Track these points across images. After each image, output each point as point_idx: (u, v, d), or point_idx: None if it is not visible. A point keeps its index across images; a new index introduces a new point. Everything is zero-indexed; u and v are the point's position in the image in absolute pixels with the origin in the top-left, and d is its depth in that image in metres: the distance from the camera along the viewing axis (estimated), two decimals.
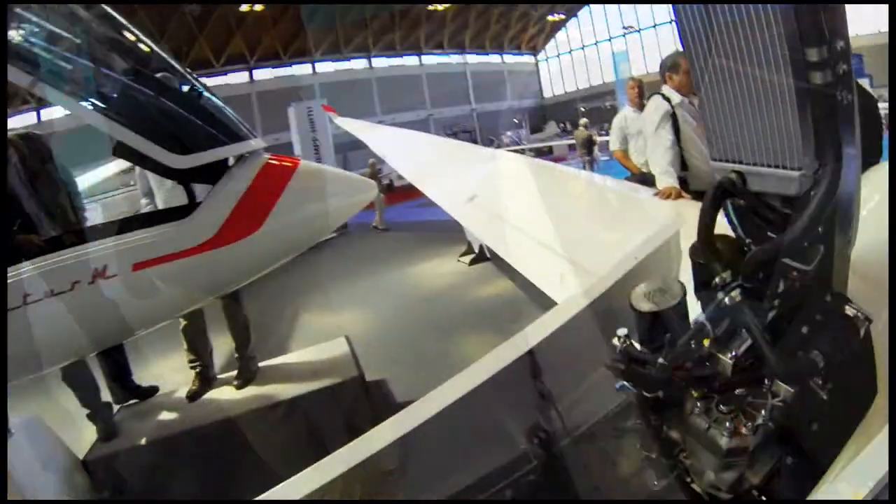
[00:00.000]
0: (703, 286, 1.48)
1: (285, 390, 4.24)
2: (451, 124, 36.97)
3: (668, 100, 4.58)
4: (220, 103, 3.45)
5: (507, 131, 36.19)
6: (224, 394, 4.36)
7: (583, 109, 36.97)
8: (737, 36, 1.14)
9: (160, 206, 4.06)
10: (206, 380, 4.48)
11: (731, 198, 1.39)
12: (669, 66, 4.65)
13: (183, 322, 4.32)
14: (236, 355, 4.57)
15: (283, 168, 3.42)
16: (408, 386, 5.23)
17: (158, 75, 3.26)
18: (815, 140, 1.16)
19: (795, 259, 1.31)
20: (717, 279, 1.37)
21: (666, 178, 4.26)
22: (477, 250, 9.24)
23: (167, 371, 5.74)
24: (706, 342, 1.37)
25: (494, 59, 45.28)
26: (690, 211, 3.68)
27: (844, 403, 1.39)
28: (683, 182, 4.39)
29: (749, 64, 1.15)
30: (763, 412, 1.31)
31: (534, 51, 47.14)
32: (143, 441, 3.91)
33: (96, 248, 2.90)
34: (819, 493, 1.23)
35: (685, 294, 1.47)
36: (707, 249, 1.42)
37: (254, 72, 34.29)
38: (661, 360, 1.35)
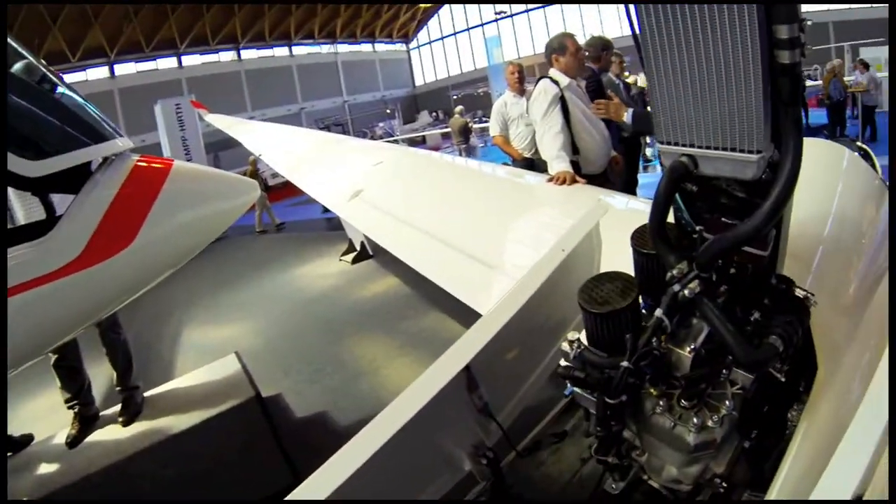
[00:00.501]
0: (649, 277, 1.42)
1: (178, 422, 3.80)
2: (324, 118, 36.19)
3: (556, 83, 4.56)
4: (79, 99, 2.96)
5: (379, 122, 35.88)
6: (110, 433, 3.84)
7: (455, 97, 37.53)
8: (697, 11, 1.07)
9: (21, 221, 3.44)
10: (86, 420, 3.91)
11: (685, 181, 1.30)
12: (556, 48, 4.64)
13: (53, 356, 3.75)
14: (118, 387, 4.04)
15: (156, 170, 3.01)
16: (305, 398, 5.08)
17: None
18: (776, 122, 1.11)
19: (752, 245, 1.29)
20: (674, 271, 1.29)
21: (558, 163, 4.27)
22: (359, 248, 9.07)
23: (42, 412, 5.18)
24: (664, 339, 1.33)
25: (366, 48, 44.60)
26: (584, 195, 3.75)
27: (794, 383, 1.44)
28: (575, 166, 4.40)
29: (708, 42, 1.08)
30: (726, 402, 1.31)
31: (405, 39, 46.92)
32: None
33: None
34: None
35: (639, 288, 1.38)
36: (661, 239, 1.33)
37: (115, 66, 31.27)
38: (624, 363, 1.27)
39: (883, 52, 21.12)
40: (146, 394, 4.19)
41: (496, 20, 39.27)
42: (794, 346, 1.30)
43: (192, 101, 14.77)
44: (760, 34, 1.02)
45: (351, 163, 5.96)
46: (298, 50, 40.17)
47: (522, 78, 6.83)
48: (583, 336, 1.42)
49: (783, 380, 1.34)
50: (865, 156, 2.83)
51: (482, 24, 41.22)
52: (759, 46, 1.03)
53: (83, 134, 2.75)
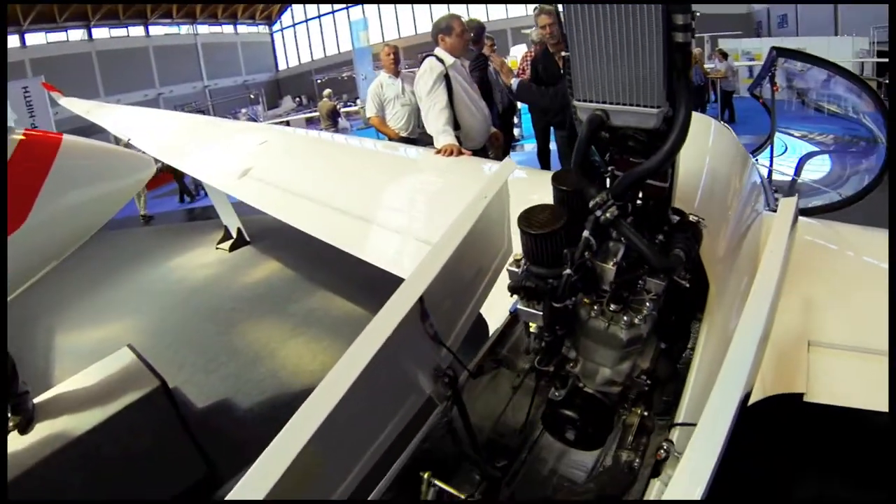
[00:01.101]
0: (569, 210, 1.70)
1: (79, 423, 3.50)
2: (183, 103, 34.31)
3: (441, 61, 4.75)
4: None
5: (242, 108, 34.71)
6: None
7: (319, 81, 37.03)
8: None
9: None
10: None
11: (600, 131, 1.58)
12: (443, 28, 4.87)
13: None
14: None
15: (45, 144, 2.80)
16: (204, 389, 4.94)
17: None
18: (671, 86, 1.41)
19: (655, 178, 1.64)
20: (596, 199, 1.58)
21: (444, 137, 4.57)
22: (235, 235, 8.86)
23: None
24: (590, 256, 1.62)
25: (228, 30, 42.50)
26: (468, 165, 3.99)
27: (693, 295, 1.83)
28: (456, 140, 4.66)
29: (621, 22, 1.36)
30: (647, 304, 1.61)
31: (268, 21, 45.21)
32: None
33: None
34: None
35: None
36: (584, 175, 1.64)
37: None
38: (567, 271, 1.54)
39: (739, 43, 23.73)
40: (36, 399, 3.82)
41: (361, 3, 38.92)
42: (693, 258, 1.68)
43: (44, 84, 13.53)
44: (662, 19, 1.31)
45: (233, 143, 5.84)
46: (155, 30, 37.48)
47: (398, 59, 6.95)
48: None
49: (687, 286, 1.65)
50: None
51: (347, 7, 40.63)
52: (660, 28, 1.32)
53: None
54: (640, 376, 1.69)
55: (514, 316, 1.94)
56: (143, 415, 3.68)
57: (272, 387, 4.81)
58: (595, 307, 1.63)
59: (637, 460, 1.58)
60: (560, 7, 1.46)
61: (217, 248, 8.98)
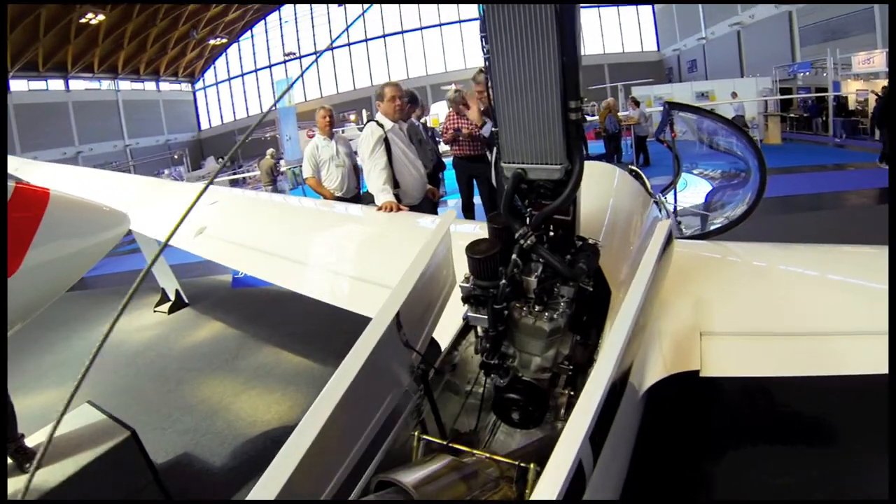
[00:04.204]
0: (500, 240, 2.21)
1: (54, 474, 3.55)
2: (104, 163, 33.28)
3: (381, 126, 5.23)
4: None
5: (165, 169, 34.12)
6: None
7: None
8: (528, 84, 1.93)
9: None
10: None
11: (521, 183, 2.16)
12: (378, 95, 5.41)
13: None
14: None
15: (37, 194, 2.92)
16: (161, 445, 4.92)
17: None
18: (569, 148, 2.00)
19: (562, 214, 2.24)
20: (519, 231, 2.13)
21: (384, 195, 5.04)
22: (173, 297, 8.87)
23: None
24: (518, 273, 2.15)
25: (150, 86, 42.02)
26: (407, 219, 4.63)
27: (599, 299, 2.40)
28: (396, 197, 5.15)
29: (533, 107, 1.96)
30: (562, 304, 2.16)
31: (191, 78, 45.04)
32: None
33: None
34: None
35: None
36: (511, 215, 2.21)
37: None
38: (503, 281, 2.06)
39: (651, 90, 25.80)
40: None
41: (284, 62, 39.38)
42: (593, 270, 2.26)
43: None
44: (560, 105, 1.91)
45: (180, 203, 6.01)
46: (75, 84, 36.48)
47: (333, 122, 7.27)
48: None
49: (591, 290, 2.22)
50: (637, 176, 3.98)
51: (270, 66, 41.03)
52: (559, 111, 1.92)
53: None
54: (563, 362, 2.18)
55: (465, 325, 2.42)
56: (115, 465, 3.75)
57: (231, 438, 4.91)
58: (524, 309, 2.14)
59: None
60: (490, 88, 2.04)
61: (155, 311, 8.88)
